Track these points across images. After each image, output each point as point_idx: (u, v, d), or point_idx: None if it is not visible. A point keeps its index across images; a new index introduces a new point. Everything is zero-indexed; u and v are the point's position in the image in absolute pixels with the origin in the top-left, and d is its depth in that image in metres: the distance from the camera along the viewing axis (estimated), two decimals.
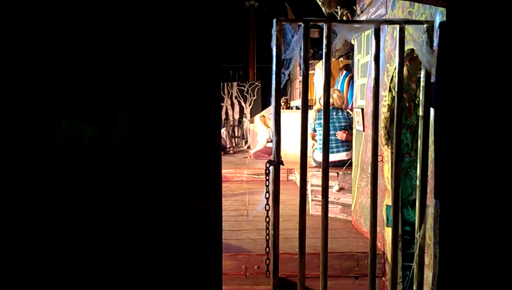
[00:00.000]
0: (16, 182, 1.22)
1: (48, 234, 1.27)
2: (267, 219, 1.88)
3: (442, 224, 1.72)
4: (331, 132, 4.29)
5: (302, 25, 1.82)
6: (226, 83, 11.10)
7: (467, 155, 1.63)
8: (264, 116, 7.93)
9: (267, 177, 1.86)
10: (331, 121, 4.30)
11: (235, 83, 11.14)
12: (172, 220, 1.29)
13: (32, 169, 1.23)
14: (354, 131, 3.96)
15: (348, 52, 5.90)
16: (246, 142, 9.90)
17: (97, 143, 1.22)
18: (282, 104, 8.66)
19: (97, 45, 1.24)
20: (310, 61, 7.11)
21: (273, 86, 1.84)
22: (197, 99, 1.30)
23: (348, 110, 4.50)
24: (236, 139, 10.45)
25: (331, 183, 4.07)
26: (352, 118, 4.27)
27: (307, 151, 1.91)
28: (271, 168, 1.84)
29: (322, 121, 1.94)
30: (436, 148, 1.69)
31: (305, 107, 1.91)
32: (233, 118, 10.95)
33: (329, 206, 4.05)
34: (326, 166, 1.91)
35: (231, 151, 8.39)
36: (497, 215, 1.63)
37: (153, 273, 1.30)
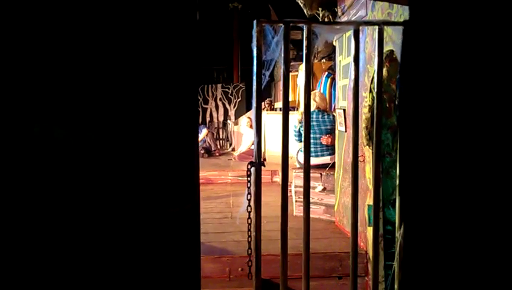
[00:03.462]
0: None
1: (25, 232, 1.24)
2: (249, 220, 1.88)
3: (406, 220, 1.75)
4: (317, 135, 4.28)
5: (283, 26, 1.83)
6: (210, 85, 11.06)
7: (430, 153, 1.65)
8: (250, 118, 7.94)
9: (249, 179, 1.86)
10: (317, 124, 4.30)
11: (219, 85, 11.11)
12: (153, 221, 1.28)
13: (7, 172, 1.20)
14: (337, 132, 3.98)
15: (330, 53, 5.94)
16: (231, 144, 9.89)
17: (68, 145, 1.20)
18: (266, 105, 8.68)
19: (71, 47, 1.22)
20: (293, 63, 7.05)
21: (254, 87, 1.84)
22: (175, 110, 1.29)
23: (333, 113, 4.49)
24: (220, 141, 10.43)
25: (314, 184, 4.08)
26: None
27: (288, 153, 1.91)
28: (252, 169, 1.84)
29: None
30: (400, 146, 1.71)
31: (286, 108, 1.92)
32: (217, 120, 10.92)
33: (312, 207, 4.07)
34: (307, 167, 1.92)
35: (217, 154, 8.36)
36: (460, 212, 1.66)
37: (132, 272, 1.29)
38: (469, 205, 1.65)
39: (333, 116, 4.34)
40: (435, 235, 1.67)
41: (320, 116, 4.32)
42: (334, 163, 4.08)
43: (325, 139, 4.24)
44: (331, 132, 4.26)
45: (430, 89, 1.63)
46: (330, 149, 4.25)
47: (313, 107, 4.25)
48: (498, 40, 1.58)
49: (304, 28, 1.87)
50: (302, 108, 4.54)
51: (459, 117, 1.63)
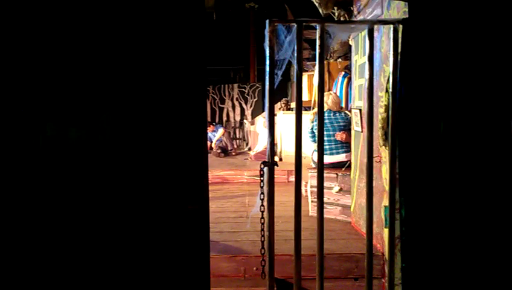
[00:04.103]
0: (6, 180, 1.22)
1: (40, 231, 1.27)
2: (262, 220, 1.88)
3: (407, 220, 1.72)
4: (330, 133, 4.25)
5: (295, 25, 1.82)
6: (227, 85, 11.10)
7: (430, 153, 1.63)
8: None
9: (262, 179, 1.86)
10: (329, 122, 4.27)
11: (235, 85, 11.13)
12: (161, 220, 1.29)
13: (23, 169, 1.23)
14: (353, 132, 3.94)
15: (346, 52, 5.88)
16: (247, 144, 9.90)
17: (83, 145, 1.22)
18: (283, 105, 8.65)
19: (78, 48, 1.24)
20: (309, 63, 6.97)
21: (267, 86, 1.84)
22: (184, 110, 1.29)
23: (346, 111, 4.45)
24: (237, 140, 10.45)
25: (331, 184, 4.05)
26: (351, 118, 4.24)
27: (301, 153, 1.91)
28: (265, 169, 1.84)
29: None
30: (400, 146, 1.69)
31: (299, 108, 1.91)
32: (234, 119, 10.95)
33: (328, 207, 4.04)
34: (321, 167, 1.91)
35: (233, 153, 8.38)
36: (459, 211, 1.63)
37: (139, 270, 1.30)
38: (471, 203, 1.63)
39: (345, 114, 4.32)
40: (440, 234, 1.65)
41: (332, 114, 4.30)
42: (350, 163, 4.04)
43: (339, 135, 4.21)
44: (344, 129, 4.23)
45: (429, 86, 1.61)
46: (345, 146, 4.21)
47: (324, 109, 4.22)
48: (495, 37, 1.55)
49: (317, 28, 1.86)
50: (315, 109, 4.53)
51: (458, 114, 1.60)
